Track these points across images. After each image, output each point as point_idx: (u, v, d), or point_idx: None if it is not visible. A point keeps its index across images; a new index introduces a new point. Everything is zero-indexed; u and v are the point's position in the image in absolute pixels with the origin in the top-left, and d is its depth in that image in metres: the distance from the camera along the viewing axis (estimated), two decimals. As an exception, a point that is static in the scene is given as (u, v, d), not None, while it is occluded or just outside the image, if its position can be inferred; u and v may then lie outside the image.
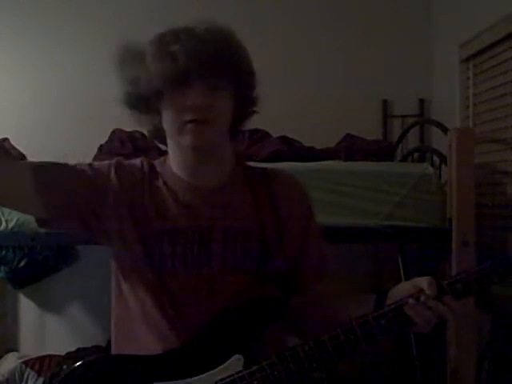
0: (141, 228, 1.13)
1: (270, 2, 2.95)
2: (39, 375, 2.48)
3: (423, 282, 1.03)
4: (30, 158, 2.47)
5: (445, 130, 2.08)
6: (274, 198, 1.18)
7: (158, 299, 1.11)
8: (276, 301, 1.12)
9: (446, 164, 2.05)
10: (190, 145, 1.09)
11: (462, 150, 1.94)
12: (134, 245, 1.13)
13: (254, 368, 1.02)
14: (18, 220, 1.95)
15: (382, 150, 2.41)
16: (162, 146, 2.61)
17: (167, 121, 1.11)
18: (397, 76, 2.92)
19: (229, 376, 1.02)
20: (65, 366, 2.46)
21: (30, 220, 1.95)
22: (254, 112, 1.20)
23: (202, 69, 1.04)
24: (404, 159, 2.65)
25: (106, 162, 1.21)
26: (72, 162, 2.09)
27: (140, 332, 1.13)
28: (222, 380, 1.02)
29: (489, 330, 2.10)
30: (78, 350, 2.63)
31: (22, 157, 2.46)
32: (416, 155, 2.59)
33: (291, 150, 2.28)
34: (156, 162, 1.23)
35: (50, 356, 2.60)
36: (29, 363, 2.54)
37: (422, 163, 2.27)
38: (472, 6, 2.50)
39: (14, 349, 2.85)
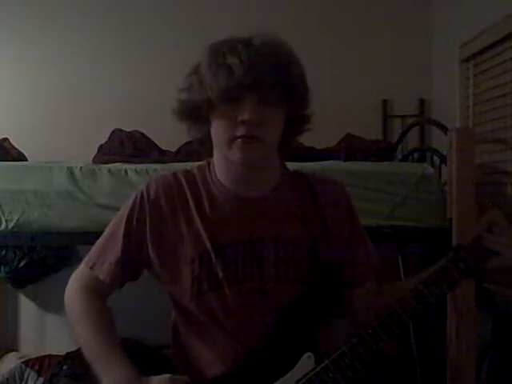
0: (190, 246, 1.12)
1: (269, 2, 2.95)
2: (39, 375, 2.48)
3: (488, 215, 1.11)
4: (30, 158, 2.47)
5: (445, 130, 2.07)
6: (319, 204, 1.19)
7: (214, 315, 1.10)
8: (328, 293, 1.12)
9: (446, 164, 2.04)
10: (237, 160, 1.08)
11: (462, 150, 1.94)
12: (184, 264, 1.12)
13: (326, 362, 1.03)
14: (18, 220, 1.94)
15: (382, 150, 2.41)
16: (161, 146, 2.61)
17: (216, 132, 1.09)
18: (397, 76, 2.92)
19: (304, 376, 1.03)
20: (65, 366, 2.46)
21: (30, 220, 1.95)
22: (305, 130, 1.20)
23: (257, 85, 1.02)
24: (404, 159, 2.65)
25: (135, 197, 1.18)
26: (72, 162, 2.10)
27: (199, 349, 1.14)
28: (298, 381, 1.03)
29: (489, 330, 2.10)
30: (78, 349, 2.62)
31: (22, 157, 2.46)
32: (416, 155, 2.59)
33: (291, 150, 2.27)
34: (195, 170, 1.21)
35: (50, 356, 2.60)
36: (29, 363, 2.54)
37: (422, 163, 2.27)
38: (472, 6, 2.50)
39: (14, 349, 2.85)
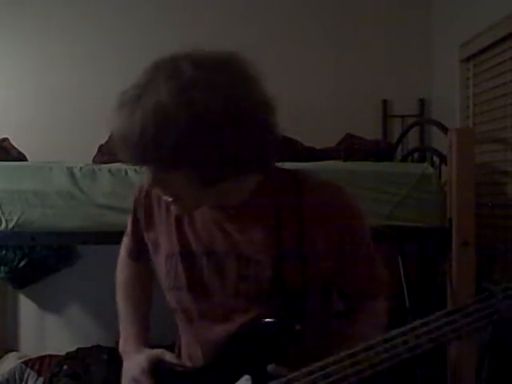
0: (165, 244, 1.14)
1: (269, 3, 2.96)
2: (39, 375, 2.48)
3: None
4: (30, 158, 2.47)
5: (445, 130, 2.07)
6: (302, 216, 1.04)
7: (185, 318, 1.14)
8: (286, 328, 1.03)
9: (446, 164, 2.04)
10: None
11: (462, 150, 1.94)
12: (159, 263, 1.16)
13: None
14: (18, 220, 1.94)
15: (381, 150, 2.41)
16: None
17: None
18: (397, 76, 2.93)
19: None
20: (65, 366, 2.46)
21: (30, 220, 1.95)
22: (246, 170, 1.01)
23: (136, 158, 0.93)
24: (404, 159, 2.65)
25: (136, 190, 1.21)
26: (72, 162, 2.10)
27: (180, 342, 1.21)
28: None
29: (489, 330, 2.10)
30: (78, 349, 2.62)
31: (22, 157, 2.46)
32: (416, 155, 2.59)
33: (291, 149, 2.28)
34: None
35: (50, 356, 2.60)
36: (29, 363, 2.54)
37: (422, 163, 2.27)
38: (472, 6, 2.50)
39: (14, 349, 2.85)
